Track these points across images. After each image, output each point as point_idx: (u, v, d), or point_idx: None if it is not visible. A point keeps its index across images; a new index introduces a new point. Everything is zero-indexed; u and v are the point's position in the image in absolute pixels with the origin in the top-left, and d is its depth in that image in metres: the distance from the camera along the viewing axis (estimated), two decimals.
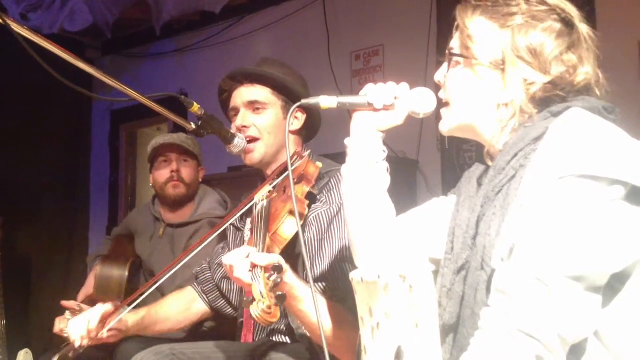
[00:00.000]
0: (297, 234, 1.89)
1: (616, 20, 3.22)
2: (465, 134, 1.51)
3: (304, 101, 1.60)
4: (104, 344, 2.18)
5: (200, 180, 3.13)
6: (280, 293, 1.58)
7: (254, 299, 1.56)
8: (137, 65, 4.85)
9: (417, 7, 3.79)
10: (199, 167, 3.12)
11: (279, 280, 1.61)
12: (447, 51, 1.49)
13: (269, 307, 1.54)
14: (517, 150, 1.34)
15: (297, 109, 2.11)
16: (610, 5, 3.29)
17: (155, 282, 2.08)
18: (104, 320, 2.06)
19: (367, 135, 1.58)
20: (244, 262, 1.66)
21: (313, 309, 1.77)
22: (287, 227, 1.91)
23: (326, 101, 1.58)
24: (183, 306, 2.34)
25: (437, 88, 1.55)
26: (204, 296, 2.35)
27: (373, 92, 1.57)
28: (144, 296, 2.06)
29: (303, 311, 1.81)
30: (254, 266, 1.64)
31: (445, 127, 1.52)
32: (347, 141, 1.61)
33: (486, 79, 1.42)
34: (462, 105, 1.46)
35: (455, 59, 1.46)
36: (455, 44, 1.48)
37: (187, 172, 3.04)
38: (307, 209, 1.96)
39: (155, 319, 2.24)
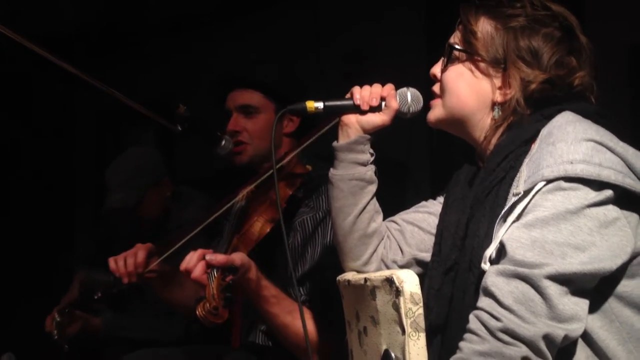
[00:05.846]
0: (266, 236, 1.90)
1: (605, 27, 3.22)
2: (454, 129, 1.49)
3: (290, 107, 1.60)
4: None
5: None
6: (229, 295, 1.59)
7: (203, 298, 1.58)
8: (124, 66, 4.82)
9: (407, 7, 3.78)
10: None
11: (231, 282, 1.64)
12: (446, 45, 1.47)
13: (215, 309, 1.57)
14: (507, 152, 1.34)
15: (284, 115, 2.10)
16: (599, 12, 3.29)
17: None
18: (148, 258, 2.00)
19: (355, 138, 1.57)
20: (200, 263, 1.68)
21: (280, 311, 1.81)
22: (256, 229, 1.91)
23: (313, 105, 1.57)
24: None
25: (425, 88, 1.54)
26: None
27: (359, 94, 1.57)
28: (176, 247, 2.00)
29: (271, 312, 1.82)
30: (210, 266, 1.66)
31: (434, 117, 1.50)
32: (335, 144, 1.61)
33: (485, 76, 1.41)
34: (457, 99, 1.44)
35: (455, 54, 1.45)
36: (456, 39, 1.47)
37: None
38: (281, 212, 1.97)
39: (180, 281, 2.18)
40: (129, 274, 1.96)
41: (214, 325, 1.60)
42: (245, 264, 1.74)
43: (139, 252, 1.98)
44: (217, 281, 1.63)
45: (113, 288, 2.05)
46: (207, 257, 1.68)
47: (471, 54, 1.42)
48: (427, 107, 1.55)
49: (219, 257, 1.69)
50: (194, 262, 1.69)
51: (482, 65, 1.41)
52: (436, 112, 1.49)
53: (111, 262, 1.98)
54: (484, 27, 1.42)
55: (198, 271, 1.67)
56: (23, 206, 4.74)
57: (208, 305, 1.56)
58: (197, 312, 1.57)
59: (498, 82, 1.41)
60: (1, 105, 4.51)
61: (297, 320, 1.82)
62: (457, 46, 1.45)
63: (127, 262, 1.96)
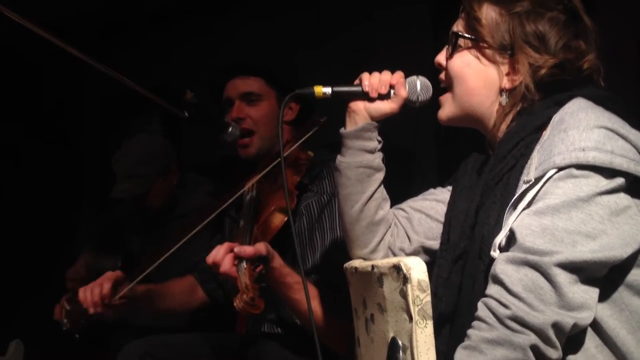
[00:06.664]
0: (285, 225, 1.90)
1: (614, 19, 3.21)
2: (465, 123, 1.48)
3: (298, 91, 1.59)
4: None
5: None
6: (263, 285, 1.59)
7: (238, 291, 1.57)
8: (128, 54, 4.81)
9: (413, 6, 3.76)
10: None
11: (264, 271, 1.64)
12: (450, 33, 1.46)
13: (252, 299, 1.56)
14: (518, 139, 1.33)
15: (290, 100, 2.11)
16: (608, 5, 3.28)
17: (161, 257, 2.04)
18: (115, 287, 2.01)
19: (362, 125, 1.56)
20: (228, 256, 1.68)
21: (305, 297, 1.78)
22: (275, 218, 1.91)
23: (321, 90, 1.57)
24: (186, 290, 2.33)
25: (434, 75, 1.53)
26: (204, 285, 2.33)
27: (368, 80, 1.56)
28: (153, 266, 2.02)
29: (295, 299, 1.80)
30: (238, 258, 1.66)
31: (445, 115, 1.48)
32: (342, 131, 1.60)
33: (492, 62, 1.40)
34: (465, 87, 1.43)
35: (460, 42, 1.44)
36: (460, 27, 1.45)
37: None
38: (295, 199, 1.96)
39: (162, 293, 2.22)
40: (95, 304, 1.96)
41: (252, 316, 1.59)
42: (270, 253, 1.74)
43: (105, 282, 1.99)
44: (248, 272, 1.62)
45: (81, 319, 2.05)
46: (235, 249, 1.67)
47: (477, 41, 1.41)
48: (436, 102, 1.53)
49: (247, 249, 1.68)
50: (221, 255, 1.69)
51: (488, 52, 1.40)
52: (447, 109, 1.48)
53: (80, 292, 2.00)
54: (488, 13, 1.40)
55: (227, 264, 1.67)
56: (28, 197, 4.76)
57: (245, 296, 1.56)
58: (235, 305, 1.56)
59: (505, 68, 1.40)
60: (4, 93, 4.52)
61: (321, 307, 1.84)
62: (462, 34, 1.43)
63: (93, 292, 1.97)
